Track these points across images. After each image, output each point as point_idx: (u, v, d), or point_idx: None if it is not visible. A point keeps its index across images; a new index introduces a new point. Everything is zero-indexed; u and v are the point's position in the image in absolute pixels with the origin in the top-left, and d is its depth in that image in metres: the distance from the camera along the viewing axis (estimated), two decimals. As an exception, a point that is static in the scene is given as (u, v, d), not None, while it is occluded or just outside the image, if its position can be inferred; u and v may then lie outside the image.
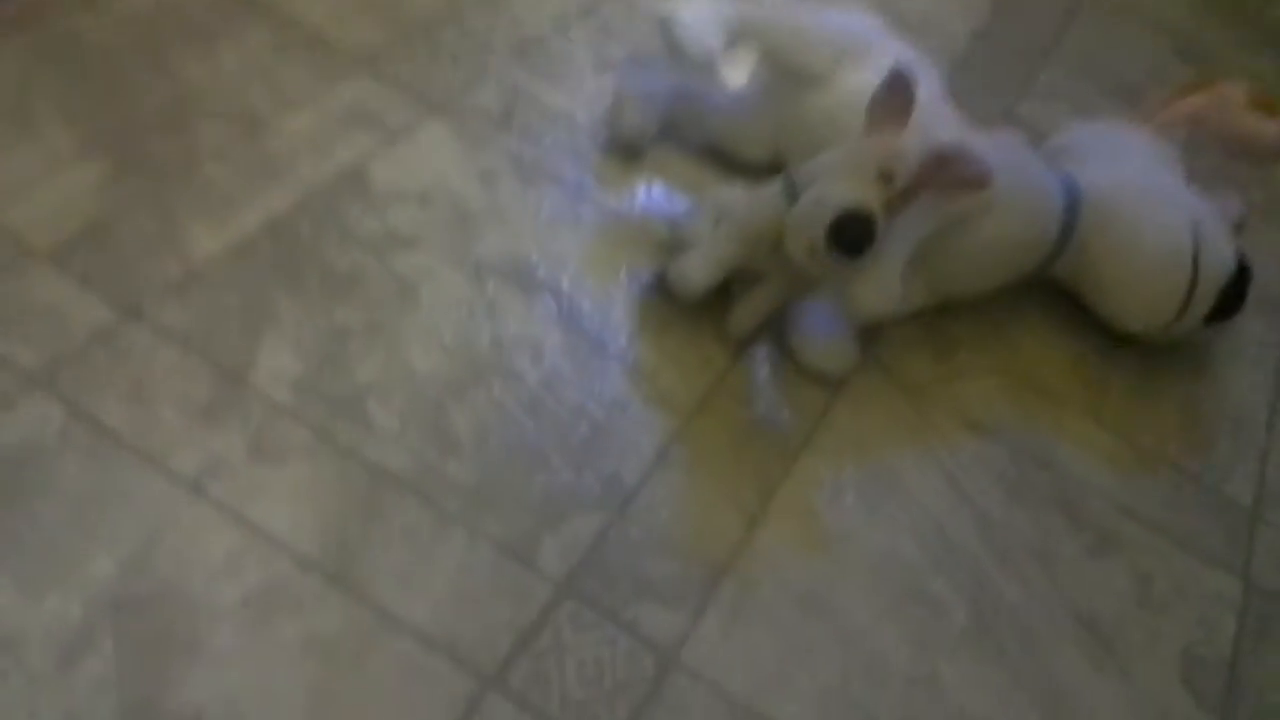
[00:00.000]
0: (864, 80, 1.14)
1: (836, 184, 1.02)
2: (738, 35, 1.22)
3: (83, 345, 0.97)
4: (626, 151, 1.32)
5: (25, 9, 1.24)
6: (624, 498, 1.00)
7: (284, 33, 1.32)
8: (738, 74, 1.34)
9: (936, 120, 1.17)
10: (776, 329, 1.16)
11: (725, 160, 1.33)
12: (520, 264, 1.17)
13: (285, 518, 0.90)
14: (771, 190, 1.08)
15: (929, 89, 1.18)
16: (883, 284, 1.07)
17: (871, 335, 1.18)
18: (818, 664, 0.93)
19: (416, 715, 0.82)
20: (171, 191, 1.11)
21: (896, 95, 1.05)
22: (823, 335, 1.15)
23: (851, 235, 1.00)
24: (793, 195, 1.05)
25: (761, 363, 1.15)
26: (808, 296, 1.14)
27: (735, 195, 1.14)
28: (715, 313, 1.14)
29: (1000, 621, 0.99)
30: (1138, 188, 1.27)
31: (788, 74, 1.24)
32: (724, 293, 1.14)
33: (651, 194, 1.29)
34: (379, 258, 1.13)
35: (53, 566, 0.83)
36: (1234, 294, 1.24)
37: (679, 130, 1.33)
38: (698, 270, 1.11)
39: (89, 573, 0.83)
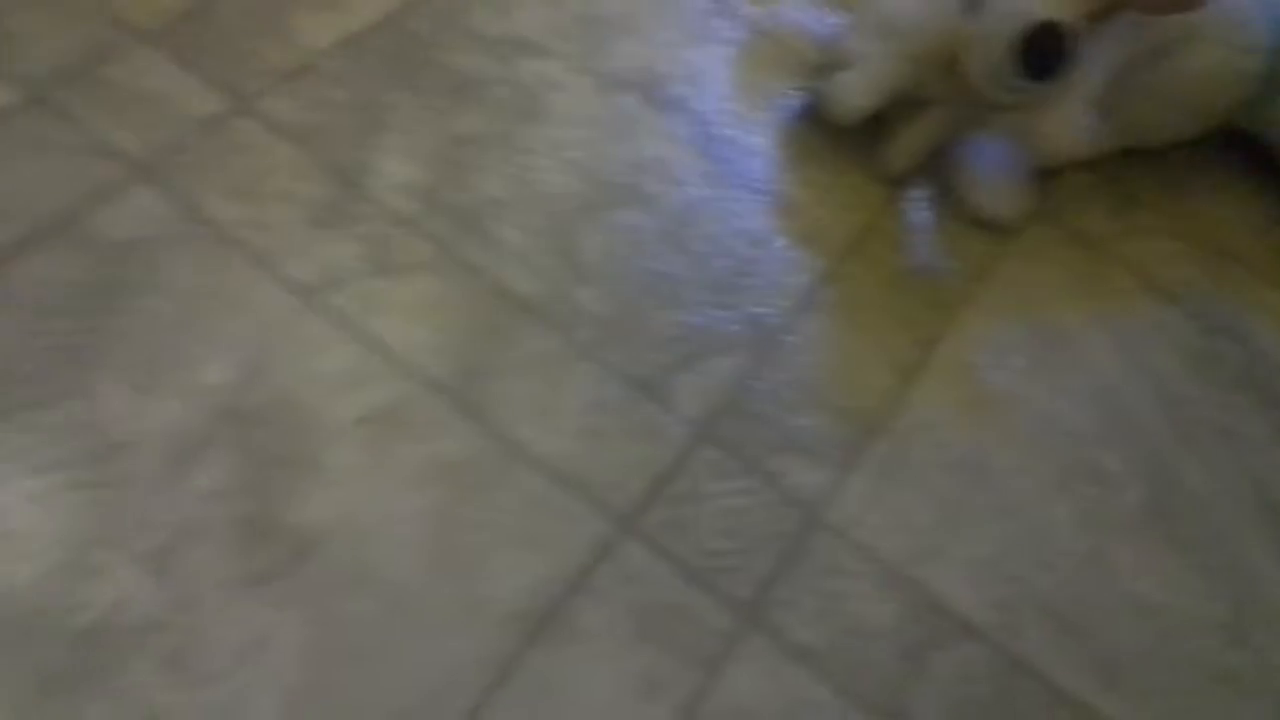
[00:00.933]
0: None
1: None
2: None
3: (191, 134, 0.89)
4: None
5: None
6: (766, 340, 0.91)
7: None
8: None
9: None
10: (939, 166, 1.04)
11: None
12: (657, 78, 1.05)
13: (407, 335, 0.82)
14: (946, 0, 0.95)
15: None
16: (1071, 118, 0.95)
17: (1045, 181, 1.06)
18: (975, 534, 0.85)
19: (546, 552, 0.76)
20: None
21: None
22: (993, 176, 1.02)
23: (1044, 53, 0.88)
24: (973, 5, 0.92)
25: (921, 203, 1.04)
26: (980, 130, 1.02)
27: (902, 4, 1.00)
28: (871, 144, 1.03)
29: (1179, 503, 0.90)
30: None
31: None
32: (879, 122, 1.02)
33: (801, 7, 1.16)
34: (503, 62, 1.02)
35: (164, 369, 0.76)
36: None
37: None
38: (855, 93, 0.99)
39: (201, 378, 0.76)
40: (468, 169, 0.94)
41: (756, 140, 1.04)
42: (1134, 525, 0.87)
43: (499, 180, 0.94)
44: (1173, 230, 1.09)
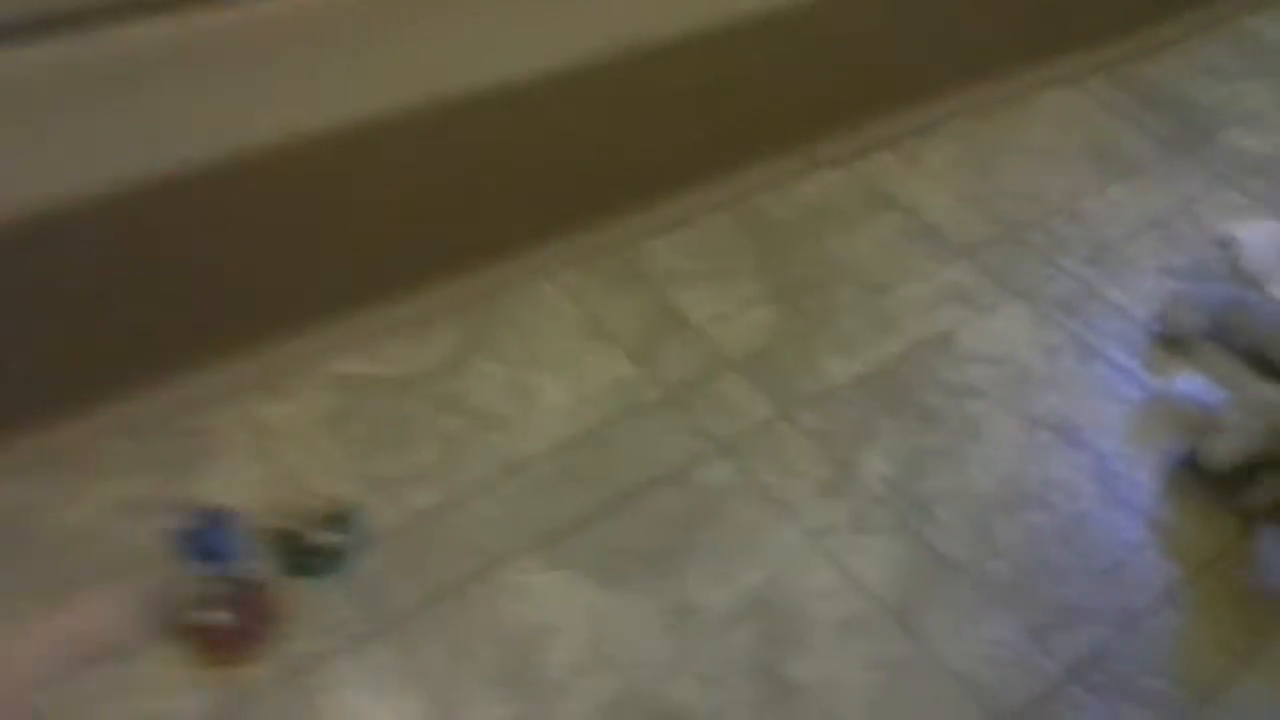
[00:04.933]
0: None
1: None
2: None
3: (752, 429, 1.44)
4: (1174, 344, 1.57)
5: (732, 193, 1.79)
6: (1130, 621, 1.25)
7: (909, 221, 1.76)
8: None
9: None
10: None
11: (1265, 366, 1.53)
12: (1068, 423, 1.47)
13: (872, 572, 1.29)
14: None
15: None
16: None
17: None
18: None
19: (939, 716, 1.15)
20: (818, 332, 1.57)
21: None
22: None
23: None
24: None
25: (1270, 538, 1.34)
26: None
27: (1273, 393, 1.36)
28: (1233, 490, 1.36)
29: None
30: None
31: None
32: (1246, 474, 1.35)
33: (1191, 383, 1.53)
34: (957, 401, 1.49)
35: (727, 571, 1.28)
36: None
37: (1226, 334, 1.56)
38: (1226, 450, 1.34)
39: (741, 580, 1.27)
40: (924, 470, 1.40)
41: (1142, 475, 1.41)
42: None
43: (944, 480, 1.39)
44: None
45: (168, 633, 1.16)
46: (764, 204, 1.77)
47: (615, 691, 1.17)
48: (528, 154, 1.53)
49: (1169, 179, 1.90)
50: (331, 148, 1.34)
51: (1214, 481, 1.37)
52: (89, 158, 1.19)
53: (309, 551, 1.24)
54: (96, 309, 1.28)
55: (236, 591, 1.17)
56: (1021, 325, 1.61)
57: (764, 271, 1.66)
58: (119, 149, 1.20)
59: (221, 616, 1.14)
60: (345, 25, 1.27)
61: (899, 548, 1.32)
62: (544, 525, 1.32)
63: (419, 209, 1.48)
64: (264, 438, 1.37)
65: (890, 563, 1.30)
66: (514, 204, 1.57)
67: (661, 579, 1.27)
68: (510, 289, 1.60)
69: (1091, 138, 1.99)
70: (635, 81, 1.56)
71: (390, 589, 1.24)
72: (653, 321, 1.57)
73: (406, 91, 1.36)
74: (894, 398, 1.49)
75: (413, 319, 1.54)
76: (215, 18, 1.19)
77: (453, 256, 1.58)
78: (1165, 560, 1.32)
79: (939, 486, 1.39)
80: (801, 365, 1.53)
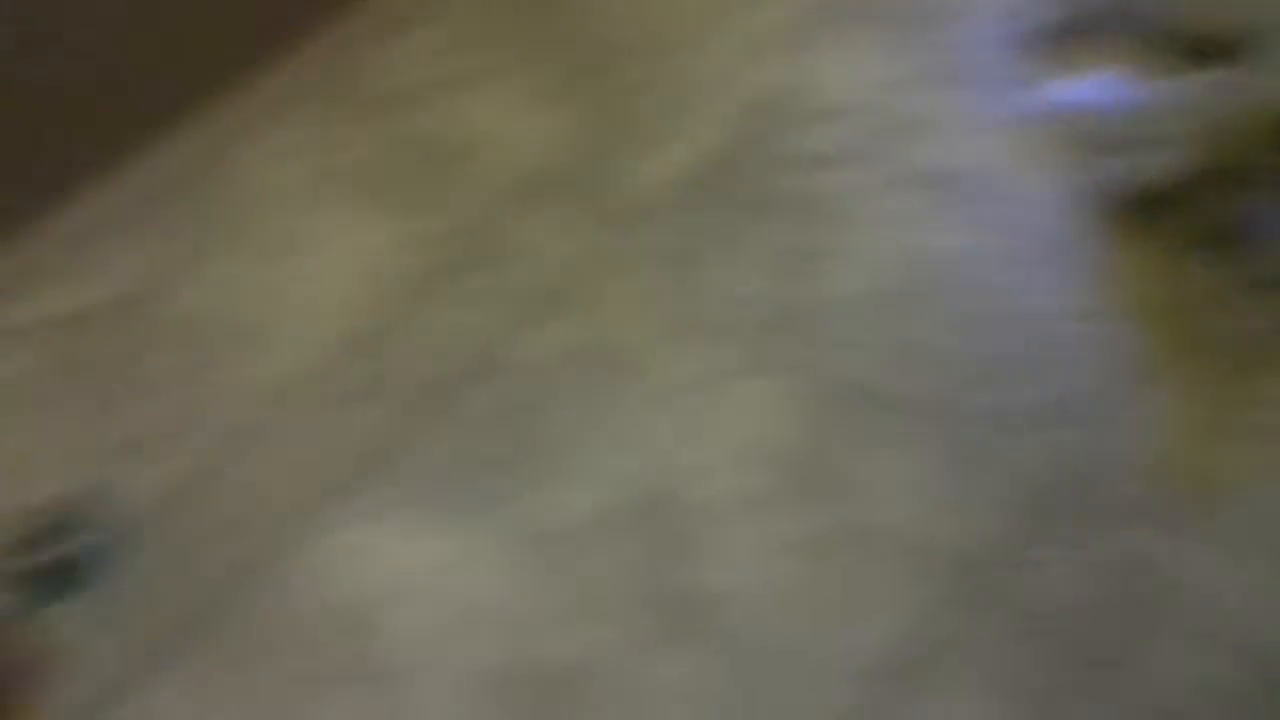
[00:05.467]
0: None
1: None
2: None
3: (571, 272, 1.10)
4: (1047, 42, 1.27)
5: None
6: (1087, 411, 1.00)
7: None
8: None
9: None
10: (1229, 233, 1.11)
11: (1184, 49, 1.23)
12: (948, 173, 1.17)
13: (765, 427, 0.99)
14: (1247, 74, 1.01)
15: None
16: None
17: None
18: None
19: (896, 611, 0.89)
20: (621, 127, 1.21)
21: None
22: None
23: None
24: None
25: (1218, 272, 1.11)
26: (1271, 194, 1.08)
27: (1198, 82, 1.07)
28: (1163, 218, 1.11)
29: None
30: None
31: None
32: (1172, 201, 1.10)
33: (1085, 88, 1.25)
34: (810, 176, 1.17)
35: (570, 472, 0.97)
36: None
37: (1121, 12, 1.26)
38: (1159, 168, 1.07)
39: (603, 477, 0.96)
40: (794, 276, 1.10)
41: (1055, 221, 1.13)
42: None
43: (824, 283, 1.09)
44: None
45: None
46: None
47: (482, 662, 0.87)
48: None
49: None
50: None
51: (1141, 211, 1.11)
52: None
53: (45, 571, 0.88)
54: None
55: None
56: (862, 63, 1.28)
57: (531, 64, 1.27)
58: None
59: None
60: None
61: (789, 386, 1.02)
62: (340, 463, 0.97)
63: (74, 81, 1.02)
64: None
65: (783, 410, 1.01)
66: (189, 43, 1.12)
67: (504, 502, 0.95)
68: (216, 164, 1.17)
69: None
70: None
71: (168, 591, 0.88)
72: (411, 159, 1.18)
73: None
74: (734, 190, 1.16)
75: (104, 222, 1.10)
76: None
77: (134, 133, 1.13)
78: (1109, 323, 1.07)
79: (816, 294, 1.09)
80: (611, 174, 1.17)
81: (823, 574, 0.91)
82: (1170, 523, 0.93)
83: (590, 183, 1.15)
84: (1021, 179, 1.17)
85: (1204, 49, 1.11)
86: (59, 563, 0.89)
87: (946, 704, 0.85)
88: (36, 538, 0.90)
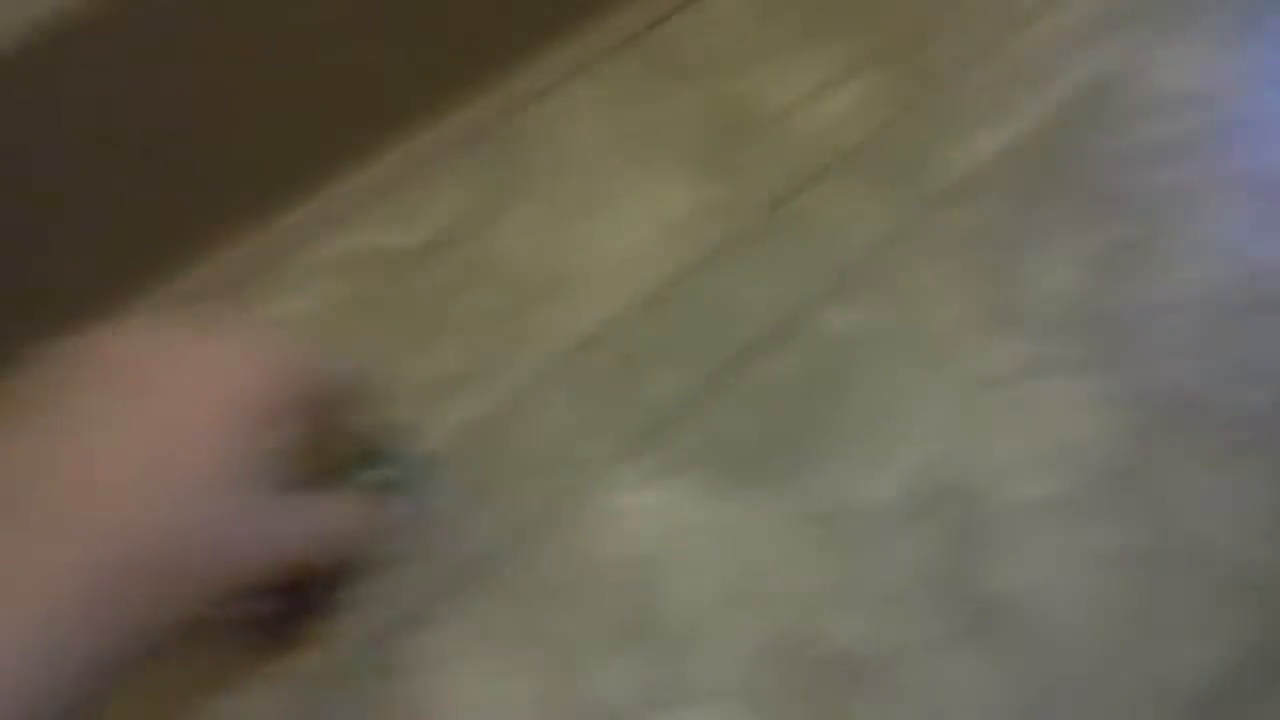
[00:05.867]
0: None
1: None
2: None
3: (876, 248, 1.07)
4: None
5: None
6: None
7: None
8: None
9: None
10: None
11: None
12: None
13: (1079, 428, 0.94)
14: None
15: None
16: None
17: None
18: None
19: (1218, 644, 0.83)
20: (935, 102, 1.17)
21: None
22: None
23: None
24: None
25: None
26: None
27: None
28: None
29: None
30: None
31: None
32: None
33: None
34: (1143, 170, 1.10)
35: (865, 454, 0.94)
36: None
37: None
38: None
39: (900, 462, 0.94)
40: (1121, 275, 1.03)
41: None
42: None
43: (1153, 284, 1.03)
44: None
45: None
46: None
47: (762, 636, 0.86)
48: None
49: None
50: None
51: None
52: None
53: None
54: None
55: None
56: (1199, 53, 1.19)
57: (846, 35, 1.24)
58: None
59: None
60: None
61: (1107, 390, 0.96)
62: (630, 421, 0.98)
63: (391, 28, 1.07)
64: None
65: (1100, 415, 0.95)
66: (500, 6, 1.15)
67: (793, 476, 0.94)
68: (523, 115, 1.20)
69: None
70: None
71: (464, 530, 0.92)
72: (717, 124, 1.17)
73: None
74: (1053, 179, 1.10)
75: (413, 168, 1.16)
76: None
77: (443, 84, 1.18)
78: None
79: (1142, 296, 1.02)
80: (924, 153, 1.14)
81: (1128, 590, 0.86)
82: None
83: (901, 160, 1.12)
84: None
85: None
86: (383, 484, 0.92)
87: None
88: (344, 465, 0.94)
